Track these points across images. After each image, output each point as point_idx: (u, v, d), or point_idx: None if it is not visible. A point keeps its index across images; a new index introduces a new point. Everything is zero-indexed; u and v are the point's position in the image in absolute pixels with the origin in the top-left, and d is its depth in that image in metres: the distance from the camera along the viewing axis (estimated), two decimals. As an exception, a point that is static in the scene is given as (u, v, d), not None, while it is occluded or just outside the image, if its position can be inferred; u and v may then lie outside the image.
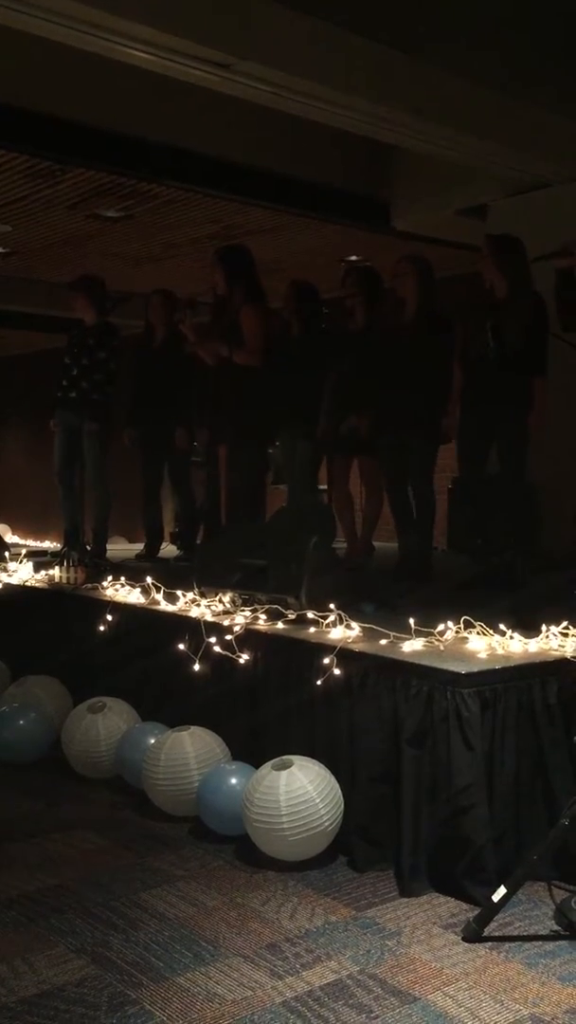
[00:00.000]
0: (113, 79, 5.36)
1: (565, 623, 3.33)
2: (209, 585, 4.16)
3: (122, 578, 4.75)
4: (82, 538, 6.15)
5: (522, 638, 3.27)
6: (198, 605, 4.09)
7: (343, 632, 3.48)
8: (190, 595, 4.20)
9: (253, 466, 5.75)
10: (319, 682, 3.27)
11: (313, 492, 5.99)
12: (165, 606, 4.24)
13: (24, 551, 6.26)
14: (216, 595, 4.09)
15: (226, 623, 3.75)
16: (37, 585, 5.25)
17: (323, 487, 6.11)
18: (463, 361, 4.92)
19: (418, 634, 3.31)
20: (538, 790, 3.01)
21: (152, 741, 3.59)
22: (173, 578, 4.45)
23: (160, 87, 5.25)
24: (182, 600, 4.20)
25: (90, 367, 5.90)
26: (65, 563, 5.18)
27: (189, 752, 3.42)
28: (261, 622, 3.76)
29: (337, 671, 3.24)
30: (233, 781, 3.24)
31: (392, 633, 3.35)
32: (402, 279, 5.24)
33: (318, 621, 3.60)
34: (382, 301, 5.70)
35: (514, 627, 3.34)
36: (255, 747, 3.50)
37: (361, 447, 5.57)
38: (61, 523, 6.34)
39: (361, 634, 3.45)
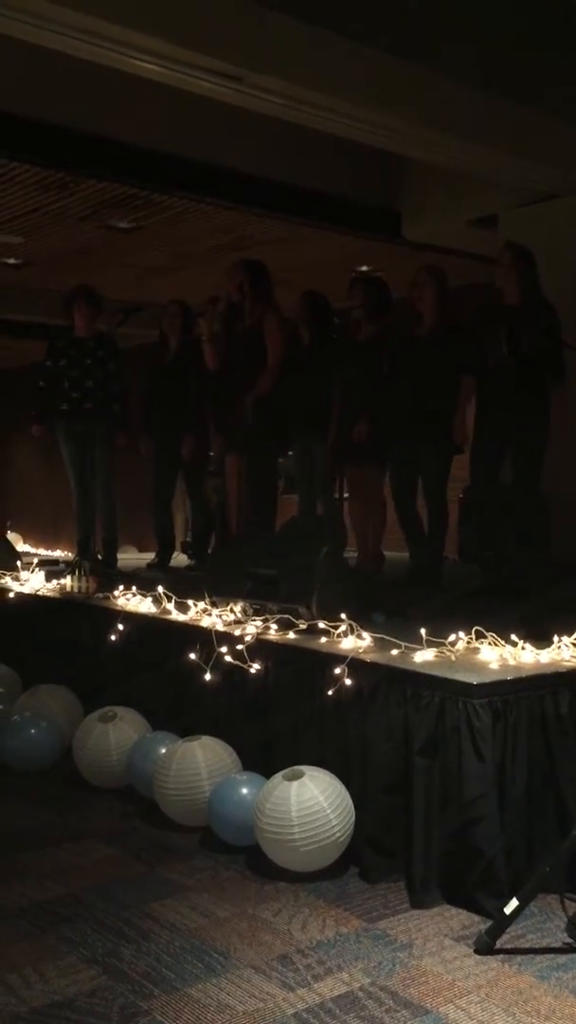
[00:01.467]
0: (125, 91, 5.40)
1: (577, 634, 3.32)
2: (220, 595, 4.16)
3: (133, 587, 4.76)
4: (93, 547, 6.17)
5: (534, 648, 3.26)
6: (209, 615, 4.09)
7: (354, 642, 3.47)
8: (201, 605, 4.20)
9: (266, 476, 5.77)
10: (330, 692, 3.27)
11: (330, 502, 6.00)
12: (176, 616, 4.25)
13: (36, 560, 6.29)
14: (227, 605, 4.09)
15: (237, 633, 3.75)
16: (49, 594, 5.27)
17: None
18: (479, 371, 4.92)
19: (429, 644, 3.30)
20: (550, 801, 2.99)
21: (163, 751, 3.59)
22: (184, 588, 4.45)
23: (172, 99, 5.28)
24: (193, 610, 4.20)
25: (104, 378, 5.93)
26: (77, 572, 5.19)
27: (200, 762, 3.42)
28: (272, 632, 3.76)
29: (348, 681, 3.24)
30: (244, 791, 3.23)
31: (403, 643, 3.34)
32: (420, 290, 5.26)
33: (329, 631, 3.60)
34: (390, 311, 5.71)
35: (525, 637, 3.33)
36: (266, 757, 3.50)
37: (367, 457, 5.57)
38: (73, 532, 6.36)
39: (372, 644, 3.45)
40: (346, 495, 6.04)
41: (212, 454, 6.35)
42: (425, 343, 5.22)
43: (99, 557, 6.03)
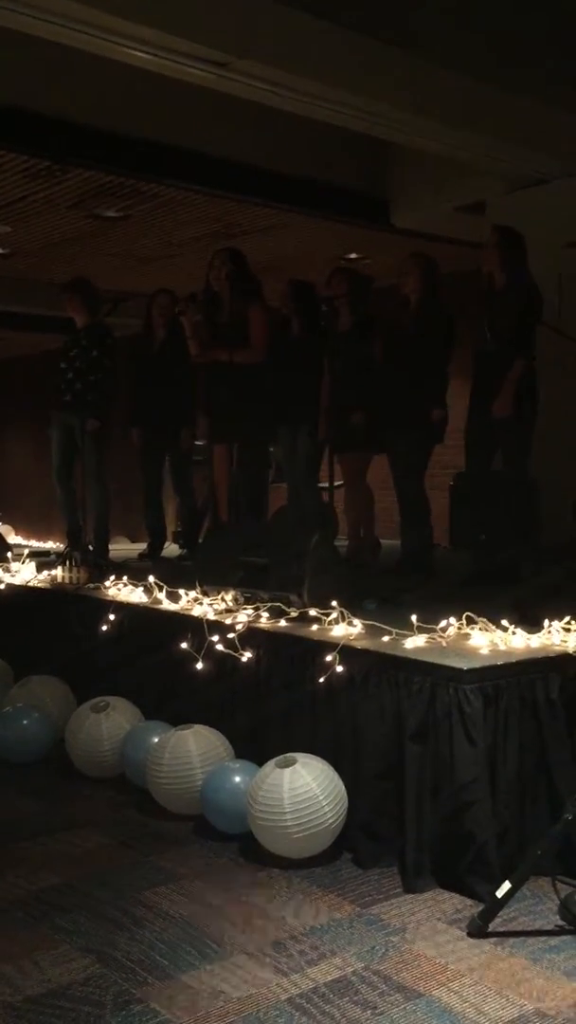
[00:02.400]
0: (111, 79, 5.37)
1: (567, 618, 3.33)
2: (211, 584, 4.16)
3: (124, 577, 4.75)
4: (83, 538, 6.16)
5: (524, 633, 3.27)
6: (200, 604, 4.09)
7: (345, 629, 3.48)
8: (192, 594, 4.20)
9: (255, 464, 5.77)
10: (322, 679, 3.27)
11: (319, 490, 6.00)
12: (168, 605, 4.25)
13: (27, 551, 6.27)
14: (218, 594, 4.09)
15: (228, 621, 3.75)
16: (40, 585, 5.26)
17: (323, 485, 6.11)
18: (469, 356, 4.93)
19: (420, 630, 3.31)
20: (541, 785, 3.01)
21: (155, 740, 3.59)
22: (175, 577, 4.45)
23: (158, 86, 5.25)
24: (184, 599, 4.20)
25: (85, 368, 5.94)
26: (67, 563, 5.18)
27: (192, 751, 3.42)
28: (263, 620, 3.76)
29: (340, 668, 3.24)
30: (237, 779, 3.24)
31: (394, 630, 3.35)
32: (406, 277, 5.27)
33: (320, 619, 3.60)
34: (369, 301, 5.70)
35: (516, 623, 3.34)
36: (258, 745, 3.50)
37: (358, 444, 5.57)
38: (63, 524, 6.35)
39: (363, 631, 3.45)
40: (338, 483, 6.05)
41: (200, 443, 6.35)
42: (411, 329, 5.22)
43: (90, 548, 6.02)
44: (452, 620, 3.38)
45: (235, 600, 4.00)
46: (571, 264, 5.50)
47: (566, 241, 5.47)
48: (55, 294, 6.71)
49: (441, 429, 5.16)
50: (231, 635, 3.65)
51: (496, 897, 2.59)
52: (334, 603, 3.59)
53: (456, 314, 5.17)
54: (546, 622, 3.32)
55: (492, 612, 3.44)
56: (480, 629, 3.35)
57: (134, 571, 4.95)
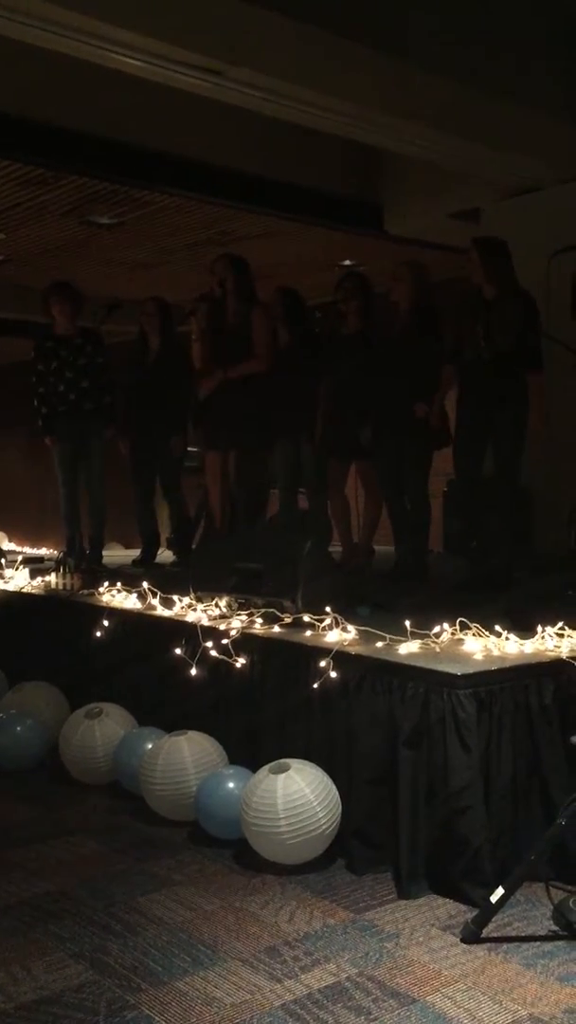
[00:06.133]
0: (105, 86, 5.37)
1: (560, 624, 3.34)
2: (205, 590, 4.16)
3: (118, 584, 4.75)
4: (78, 544, 6.15)
5: (518, 639, 3.28)
6: (194, 610, 4.09)
7: (339, 635, 3.48)
8: (186, 600, 4.20)
9: (251, 472, 5.78)
10: (316, 685, 3.27)
11: (320, 496, 6.01)
12: (161, 611, 4.24)
13: (20, 558, 6.26)
14: (212, 600, 4.09)
15: (222, 627, 3.75)
16: (34, 592, 5.25)
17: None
18: (458, 364, 4.94)
19: (414, 636, 3.31)
20: (535, 790, 3.01)
21: (149, 746, 3.59)
22: (169, 583, 4.45)
23: (152, 94, 5.27)
24: (178, 605, 4.20)
25: (97, 374, 5.91)
26: (61, 569, 5.18)
27: (186, 757, 3.42)
28: (257, 626, 3.76)
29: (333, 674, 3.24)
30: (231, 785, 3.23)
31: (388, 635, 3.35)
32: (397, 284, 5.29)
33: (314, 624, 3.60)
34: (375, 307, 5.73)
35: (510, 628, 3.34)
36: (252, 751, 3.50)
37: (359, 452, 5.58)
38: (59, 530, 6.34)
39: (357, 637, 3.45)
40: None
41: (193, 450, 6.34)
42: (401, 336, 5.24)
43: (86, 554, 6.02)
44: (446, 626, 3.38)
45: (229, 606, 4.01)
46: (562, 270, 5.52)
47: (559, 247, 5.48)
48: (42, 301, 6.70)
49: (440, 435, 5.15)
50: (225, 641, 3.64)
51: (490, 902, 2.59)
52: (328, 609, 3.59)
53: (449, 321, 5.18)
54: (539, 628, 3.33)
55: (485, 618, 3.44)
56: (474, 635, 3.35)
57: (128, 577, 4.94)
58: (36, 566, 5.84)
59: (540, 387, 4.78)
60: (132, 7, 4.19)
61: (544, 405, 4.78)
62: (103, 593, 4.76)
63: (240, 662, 3.60)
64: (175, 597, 4.24)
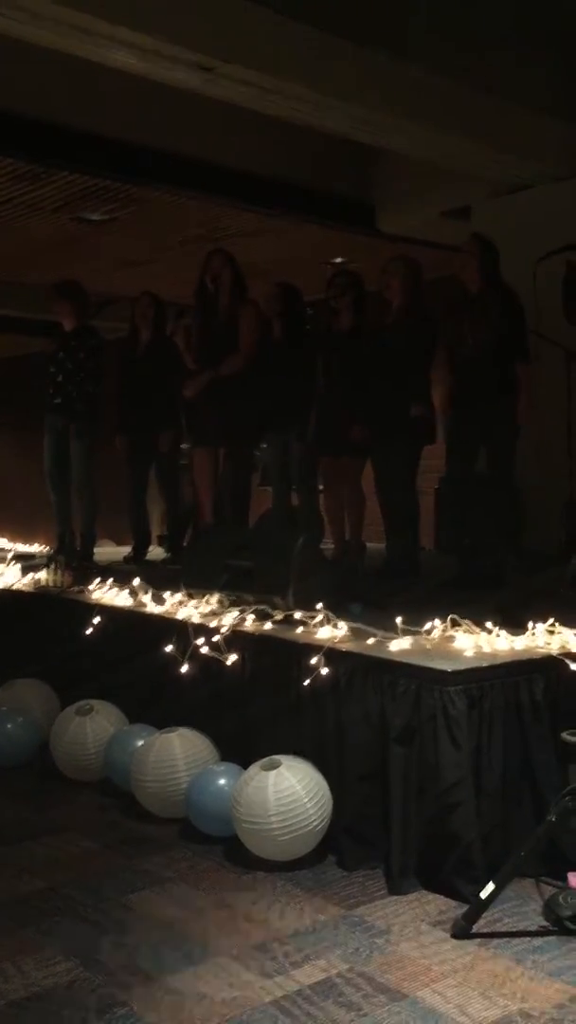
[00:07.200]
0: (96, 82, 5.36)
1: (551, 620, 3.35)
2: (196, 587, 4.16)
3: (109, 580, 4.74)
4: (68, 540, 6.15)
5: (508, 636, 3.28)
6: (185, 607, 4.08)
7: (330, 632, 3.48)
8: (177, 597, 4.19)
9: (240, 469, 5.78)
10: (307, 682, 3.27)
11: (312, 493, 6.01)
12: (152, 608, 4.24)
13: (11, 554, 6.24)
14: (203, 597, 4.09)
15: (213, 624, 3.75)
16: (24, 588, 5.24)
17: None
18: (450, 361, 4.95)
19: (405, 633, 3.31)
20: (525, 787, 3.02)
21: (140, 743, 3.59)
22: (160, 580, 4.44)
23: (144, 90, 5.24)
24: (169, 602, 4.19)
25: (74, 370, 5.94)
26: (52, 566, 5.17)
27: (177, 754, 3.41)
28: (248, 623, 3.76)
29: (324, 671, 3.24)
30: (221, 782, 3.23)
31: (379, 632, 3.35)
32: (387, 280, 5.30)
33: (305, 621, 3.60)
34: (366, 304, 5.74)
35: (501, 625, 3.35)
36: (243, 748, 3.49)
37: (350, 448, 5.58)
38: (49, 526, 6.33)
39: (348, 634, 3.46)
40: (321, 487, 6.06)
41: (185, 447, 6.34)
42: (392, 333, 5.25)
43: (77, 550, 6.01)
44: (437, 622, 3.39)
45: (220, 603, 4.00)
46: (551, 269, 5.53)
47: (550, 247, 5.49)
48: (39, 296, 6.70)
49: (428, 430, 5.17)
50: (216, 638, 3.64)
51: (480, 898, 2.60)
52: (319, 606, 3.59)
53: (440, 318, 5.18)
54: (530, 624, 3.33)
55: (476, 614, 3.45)
56: (464, 631, 3.35)
57: (119, 574, 4.94)
58: (27, 563, 5.82)
59: (527, 379, 4.79)
60: (124, 2, 4.18)
61: (532, 398, 4.79)
62: (94, 590, 4.75)
63: (231, 659, 3.59)
64: (166, 594, 4.24)
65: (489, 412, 4.80)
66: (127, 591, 4.49)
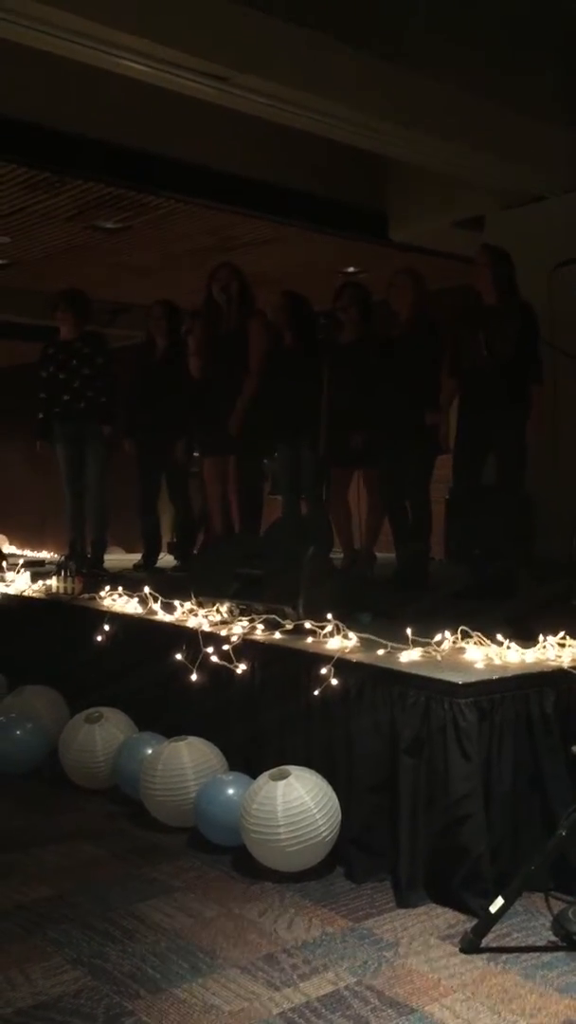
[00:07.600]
0: (111, 91, 5.38)
1: (562, 633, 3.33)
2: (206, 595, 4.16)
3: (119, 588, 4.75)
4: (78, 547, 6.16)
5: (519, 648, 3.27)
6: (195, 615, 4.09)
7: (340, 642, 3.48)
8: (187, 605, 4.20)
9: (250, 477, 5.79)
10: (316, 692, 3.27)
11: (319, 503, 6.01)
12: (162, 616, 4.24)
13: (21, 561, 6.26)
14: (213, 605, 4.09)
15: (223, 633, 3.75)
16: (35, 595, 5.25)
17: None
18: (458, 372, 4.95)
19: (415, 644, 3.31)
20: (535, 800, 3.00)
21: (149, 751, 3.59)
22: (170, 588, 4.45)
23: (158, 99, 5.27)
24: (179, 610, 4.20)
25: (92, 375, 5.95)
26: (62, 573, 5.18)
27: (186, 762, 3.41)
28: (258, 632, 3.76)
29: (334, 681, 3.24)
30: (230, 791, 3.23)
31: (389, 643, 3.35)
32: (396, 291, 5.31)
33: (315, 631, 3.60)
34: (373, 316, 5.75)
35: (511, 637, 3.34)
36: (252, 757, 3.50)
37: (361, 458, 5.59)
38: (58, 534, 6.34)
39: (358, 644, 3.45)
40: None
41: (196, 455, 6.35)
42: (401, 344, 5.26)
43: (87, 557, 6.02)
44: (447, 634, 3.38)
45: (230, 612, 4.00)
46: (565, 279, 5.52)
47: (563, 258, 5.49)
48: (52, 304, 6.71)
49: (440, 439, 5.17)
50: (226, 647, 3.64)
51: (489, 912, 2.58)
52: (329, 616, 3.59)
53: (448, 329, 5.19)
54: (541, 637, 3.32)
55: (487, 626, 3.44)
56: (475, 643, 3.34)
57: (129, 582, 4.94)
58: (37, 569, 5.84)
59: (540, 395, 4.80)
60: (139, 12, 4.20)
61: (543, 418, 4.80)
62: (104, 597, 4.76)
63: (241, 668, 3.59)
64: (176, 602, 4.24)
65: (499, 422, 4.79)
66: (137, 599, 4.49)
